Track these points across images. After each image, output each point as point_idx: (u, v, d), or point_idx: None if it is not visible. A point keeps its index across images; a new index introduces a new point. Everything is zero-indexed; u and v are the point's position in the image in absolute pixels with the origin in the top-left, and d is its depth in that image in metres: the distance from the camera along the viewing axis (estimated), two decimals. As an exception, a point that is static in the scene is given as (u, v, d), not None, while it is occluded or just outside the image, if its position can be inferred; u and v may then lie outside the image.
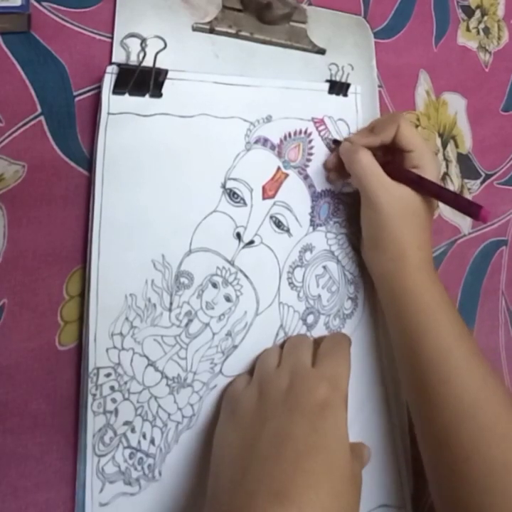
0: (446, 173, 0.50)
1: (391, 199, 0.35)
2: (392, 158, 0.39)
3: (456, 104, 0.52)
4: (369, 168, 0.36)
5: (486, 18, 0.56)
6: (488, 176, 0.54)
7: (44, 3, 0.32)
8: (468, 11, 0.54)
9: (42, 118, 0.31)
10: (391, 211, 0.35)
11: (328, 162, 0.40)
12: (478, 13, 0.55)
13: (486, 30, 0.55)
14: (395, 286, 0.37)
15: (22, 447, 0.29)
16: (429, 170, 0.37)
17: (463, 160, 0.52)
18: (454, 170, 0.51)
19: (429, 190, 0.36)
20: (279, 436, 0.28)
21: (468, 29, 0.54)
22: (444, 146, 0.50)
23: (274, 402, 0.30)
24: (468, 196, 0.52)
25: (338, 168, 0.40)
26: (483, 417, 0.33)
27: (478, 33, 0.55)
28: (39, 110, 0.31)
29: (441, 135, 0.50)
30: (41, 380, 0.30)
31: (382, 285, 0.38)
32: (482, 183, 0.53)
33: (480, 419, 0.33)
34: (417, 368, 0.35)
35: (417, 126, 0.48)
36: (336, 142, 0.40)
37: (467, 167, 0.52)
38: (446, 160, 0.50)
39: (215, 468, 0.30)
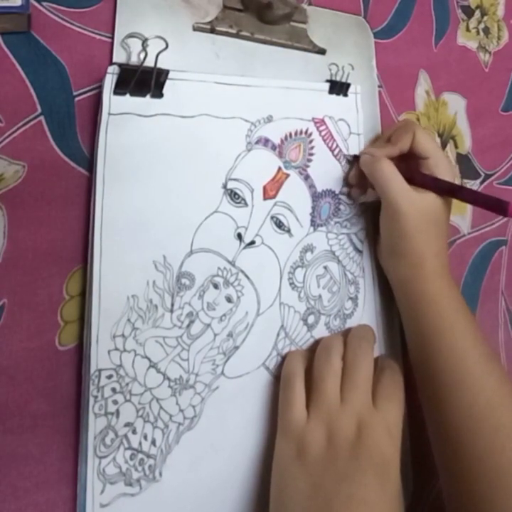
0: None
1: (412, 208, 0.36)
2: (408, 165, 0.39)
3: (455, 105, 0.52)
4: (391, 177, 0.37)
5: (485, 18, 0.56)
6: (487, 176, 0.54)
7: (44, 3, 0.32)
8: (468, 11, 0.54)
9: (42, 118, 0.31)
10: (412, 221, 0.36)
11: (350, 177, 0.41)
12: (478, 13, 0.55)
13: (486, 31, 0.55)
14: (412, 291, 0.38)
15: (22, 447, 0.29)
16: (446, 175, 0.38)
17: (462, 160, 0.52)
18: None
19: (454, 192, 0.37)
20: (354, 499, 0.29)
21: (468, 29, 0.54)
22: (444, 146, 0.51)
23: (344, 455, 0.31)
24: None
25: (359, 182, 0.40)
26: (497, 418, 0.34)
27: (478, 33, 0.55)
28: (39, 110, 0.31)
29: (440, 135, 0.50)
30: (41, 380, 0.30)
31: (399, 290, 0.39)
32: (482, 183, 0.53)
33: (495, 421, 0.33)
34: (433, 370, 0.36)
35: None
36: (356, 157, 0.41)
37: (467, 167, 0.52)
38: (446, 160, 0.50)
39: (280, 508, 0.31)
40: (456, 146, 0.52)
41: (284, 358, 0.36)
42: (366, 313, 0.41)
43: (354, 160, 0.41)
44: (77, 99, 0.32)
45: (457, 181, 0.51)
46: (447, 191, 0.37)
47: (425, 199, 0.37)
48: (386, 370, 0.36)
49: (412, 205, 0.36)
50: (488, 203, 0.35)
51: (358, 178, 0.40)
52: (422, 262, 0.37)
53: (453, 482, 0.35)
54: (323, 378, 0.34)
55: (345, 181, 0.41)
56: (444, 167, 0.38)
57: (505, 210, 0.34)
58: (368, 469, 0.30)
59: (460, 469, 0.34)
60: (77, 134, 0.32)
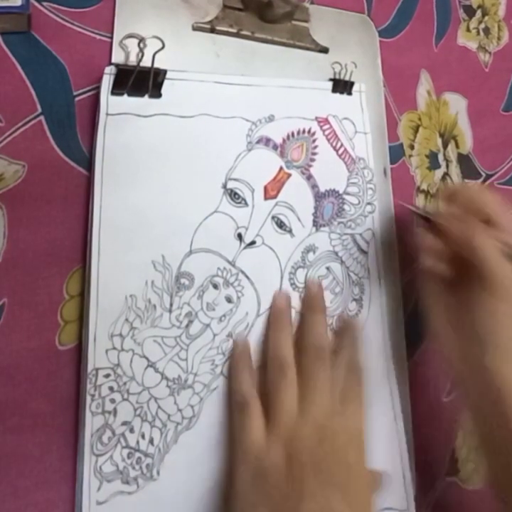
0: (446, 174, 0.50)
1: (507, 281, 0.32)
2: None
3: (456, 104, 0.52)
4: (495, 255, 0.33)
5: (486, 18, 0.55)
6: (488, 176, 0.54)
7: (44, 3, 0.32)
8: (470, 11, 0.54)
9: (42, 118, 0.31)
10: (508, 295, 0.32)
11: (426, 246, 0.36)
12: (479, 13, 0.55)
13: (486, 31, 0.55)
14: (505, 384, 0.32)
15: (22, 447, 0.29)
16: None
17: (463, 160, 0.52)
18: (455, 170, 0.51)
19: None
20: None
21: (468, 29, 0.54)
22: (445, 146, 0.50)
23: (305, 471, 0.29)
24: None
25: (437, 249, 0.35)
26: None
27: (478, 33, 0.54)
28: (39, 110, 0.31)
29: (442, 135, 0.50)
30: (41, 380, 0.30)
31: (481, 383, 0.33)
32: (482, 183, 0.53)
33: None
34: None
35: (418, 126, 0.48)
36: (427, 220, 0.36)
37: (468, 167, 0.52)
38: (447, 160, 0.50)
39: None
40: (457, 146, 0.51)
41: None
42: (371, 314, 0.40)
43: (426, 221, 0.36)
44: (77, 99, 0.32)
45: (457, 180, 0.51)
46: None
47: None
48: (342, 367, 0.34)
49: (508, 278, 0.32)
50: None
51: (437, 244, 0.35)
52: None
53: None
54: (277, 391, 0.32)
55: (421, 248, 0.36)
56: None
57: None
58: (330, 483, 0.29)
59: None
60: (77, 134, 0.32)
